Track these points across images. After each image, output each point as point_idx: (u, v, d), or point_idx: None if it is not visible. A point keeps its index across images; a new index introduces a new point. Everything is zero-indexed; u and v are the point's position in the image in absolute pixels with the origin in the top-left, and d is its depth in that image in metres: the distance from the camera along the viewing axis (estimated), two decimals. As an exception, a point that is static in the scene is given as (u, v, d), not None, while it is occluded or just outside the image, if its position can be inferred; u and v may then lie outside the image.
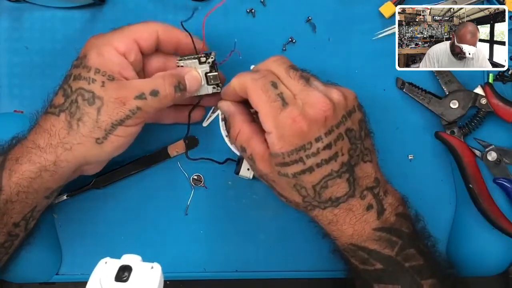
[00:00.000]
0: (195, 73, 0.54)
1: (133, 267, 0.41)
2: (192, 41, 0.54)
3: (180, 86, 0.52)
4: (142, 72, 0.56)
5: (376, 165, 0.53)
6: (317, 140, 0.48)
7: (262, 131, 0.50)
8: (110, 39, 0.52)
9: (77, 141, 0.50)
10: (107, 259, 0.41)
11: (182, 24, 0.54)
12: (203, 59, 0.54)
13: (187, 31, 0.54)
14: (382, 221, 0.51)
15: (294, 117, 0.47)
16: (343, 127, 0.49)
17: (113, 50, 0.51)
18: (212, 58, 0.54)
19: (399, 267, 0.51)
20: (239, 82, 0.50)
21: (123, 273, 0.40)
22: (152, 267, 0.41)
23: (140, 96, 0.50)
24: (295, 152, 0.48)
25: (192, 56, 0.54)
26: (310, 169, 0.48)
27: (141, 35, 0.52)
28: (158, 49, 0.55)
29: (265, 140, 0.50)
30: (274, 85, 0.48)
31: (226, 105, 0.53)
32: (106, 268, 0.41)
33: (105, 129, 0.50)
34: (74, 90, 0.50)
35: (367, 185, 0.51)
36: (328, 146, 0.48)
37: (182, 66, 0.54)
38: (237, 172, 0.58)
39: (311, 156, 0.48)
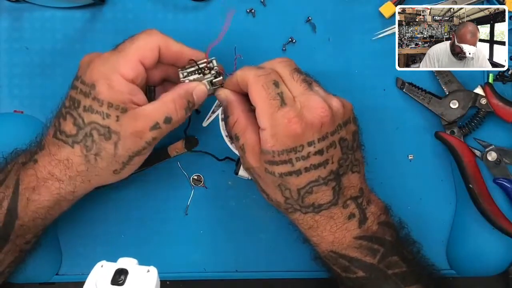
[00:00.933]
0: (202, 86, 0.53)
1: (129, 271, 0.41)
2: (197, 64, 0.53)
3: (189, 105, 0.52)
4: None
5: (363, 176, 0.53)
6: (310, 144, 0.48)
7: (258, 123, 0.50)
8: (116, 66, 0.50)
9: (96, 174, 0.51)
10: (103, 262, 0.41)
11: (190, 61, 0.53)
12: (206, 71, 0.53)
13: (192, 60, 0.53)
14: (363, 229, 0.52)
15: (290, 118, 0.47)
16: (337, 135, 0.49)
17: (122, 80, 0.50)
18: (216, 68, 0.53)
19: (382, 275, 0.51)
20: (241, 75, 0.50)
21: (119, 276, 0.40)
22: (148, 271, 0.41)
23: (155, 126, 0.50)
24: (286, 153, 0.48)
25: (196, 71, 0.53)
26: (298, 172, 0.48)
27: (144, 53, 0.51)
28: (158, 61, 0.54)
29: (259, 133, 0.50)
30: (276, 84, 0.49)
31: (225, 93, 0.53)
32: (102, 271, 0.41)
33: (123, 161, 0.51)
34: (87, 123, 0.50)
35: (351, 195, 0.51)
36: (319, 152, 0.48)
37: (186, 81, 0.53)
38: (236, 172, 0.58)
39: (301, 159, 0.48)
